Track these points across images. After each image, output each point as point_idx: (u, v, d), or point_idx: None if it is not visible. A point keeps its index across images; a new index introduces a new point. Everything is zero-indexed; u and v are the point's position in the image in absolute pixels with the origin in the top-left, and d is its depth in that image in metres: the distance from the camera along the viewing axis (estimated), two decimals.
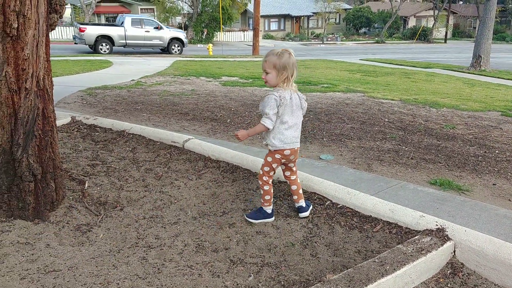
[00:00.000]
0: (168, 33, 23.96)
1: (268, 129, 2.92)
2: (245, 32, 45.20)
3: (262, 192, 3.14)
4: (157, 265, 2.62)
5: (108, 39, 22.09)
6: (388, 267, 2.42)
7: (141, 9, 41.70)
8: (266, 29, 49.19)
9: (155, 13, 39.79)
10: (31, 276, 2.46)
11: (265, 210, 3.17)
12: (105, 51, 21.84)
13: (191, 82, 11.45)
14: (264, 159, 3.12)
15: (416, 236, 2.83)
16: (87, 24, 23.87)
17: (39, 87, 3.05)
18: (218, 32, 36.49)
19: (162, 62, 17.12)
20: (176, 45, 23.95)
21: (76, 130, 5.51)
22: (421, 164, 4.85)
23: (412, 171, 4.60)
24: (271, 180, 3.13)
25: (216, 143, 4.99)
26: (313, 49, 34.94)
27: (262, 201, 3.17)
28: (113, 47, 22.33)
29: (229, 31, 43.75)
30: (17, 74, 2.89)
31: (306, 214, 3.25)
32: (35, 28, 2.90)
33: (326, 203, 3.46)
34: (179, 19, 40.00)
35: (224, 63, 17.82)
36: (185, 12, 38.20)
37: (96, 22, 37.27)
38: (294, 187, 3.25)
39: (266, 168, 3.09)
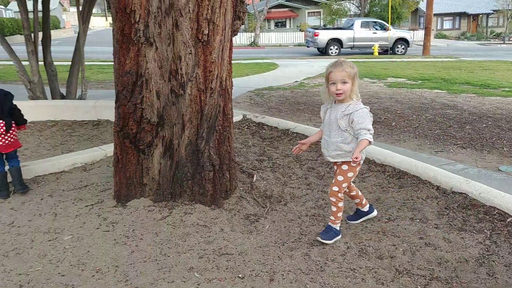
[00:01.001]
0: (394, 33, 24.31)
1: (370, 143, 2.72)
2: (414, 31, 42.57)
3: (334, 209, 2.93)
4: (319, 263, 2.66)
5: (338, 41, 23.59)
6: None
7: (308, 12, 42.69)
8: (438, 28, 45.58)
9: (321, 15, 40.35)
10: (208, 256, 2.74)
11: (335, 228, 2.96)
12: (334, 53, 23.36)
13: None
14: (341, 175, 2.86)
15: None
16: (318, 28, 26.04)
17: (221, 87, 3.38)
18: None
19: (325, 63, 17.18)
20: (401, 46, 24.07)
21: (246, 127, 5.94)
22: None
23: None
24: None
25: (380, 146, 4.83)
26: (492, 50, 31.10)
27: (333, 218, 2.95)
28: (341, 49, 23.74)
29: None
30: (205, 76, 3.24)
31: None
32: (222, 34, 3.21)
33: (508, 220, 3.06)
34: (344, 20, 39.86)
35: (390, 63, 17.11)
36: (351, 13, 37.84)
37: (266, 27, 39.61)
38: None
39: (345, 184, 2.88)
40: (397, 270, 2.58)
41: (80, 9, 7.24)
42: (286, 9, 42.33)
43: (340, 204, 2.90)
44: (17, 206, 3.47)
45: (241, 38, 34.60)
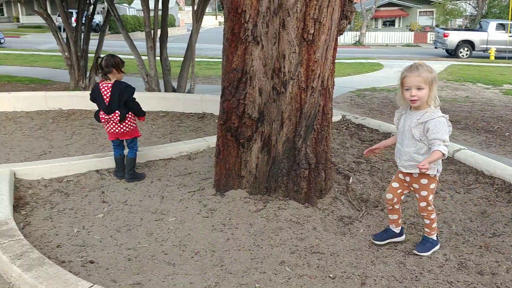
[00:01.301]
0: None
1: (444, 156, 2.48)
2: None
3: (427, 222, 2.78)
4: (414, 272, 2.57)
5: (469, 43, 22.41)
6: None
7: (419, 11, 40.47)
8: None
9: (434, 15, 38.02)
10: (299, 253, 2.79)
11: (432, 238, 2.81)
12: (464, 55, 22.17)
13: (466, 88, 10.52)
14: (424, 190, 2.70)
15: None
16: (448, 29, 24.91)
17: (323, 86, 3.39)
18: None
19: (435, 66, 16.26)
20: None
21: (345, 128, 5.86)
22: None
23: None
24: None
25: (490, 157, 4.46)
26: None
27: (428, 230, 2.81)
28: (473, 51, 22.44)
29: None
30: (307, 74, 3.28)
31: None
32: (327, 34, 3.23)
33: None
34: (459, 21, 37.03)
35: (508, 69, 15.58)
36: (467, 14, 35.12)
37: (373, 26, 38.35)
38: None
39: (431, 197, 2.72)
40: (498, 287, 2.40)
41: (195, 8, 7.70)
42: (396, 7, 40.52)
43: (433, 216, 2.79)
44: (130, 186, 3.85)
45: (346, 37, 33.90)
